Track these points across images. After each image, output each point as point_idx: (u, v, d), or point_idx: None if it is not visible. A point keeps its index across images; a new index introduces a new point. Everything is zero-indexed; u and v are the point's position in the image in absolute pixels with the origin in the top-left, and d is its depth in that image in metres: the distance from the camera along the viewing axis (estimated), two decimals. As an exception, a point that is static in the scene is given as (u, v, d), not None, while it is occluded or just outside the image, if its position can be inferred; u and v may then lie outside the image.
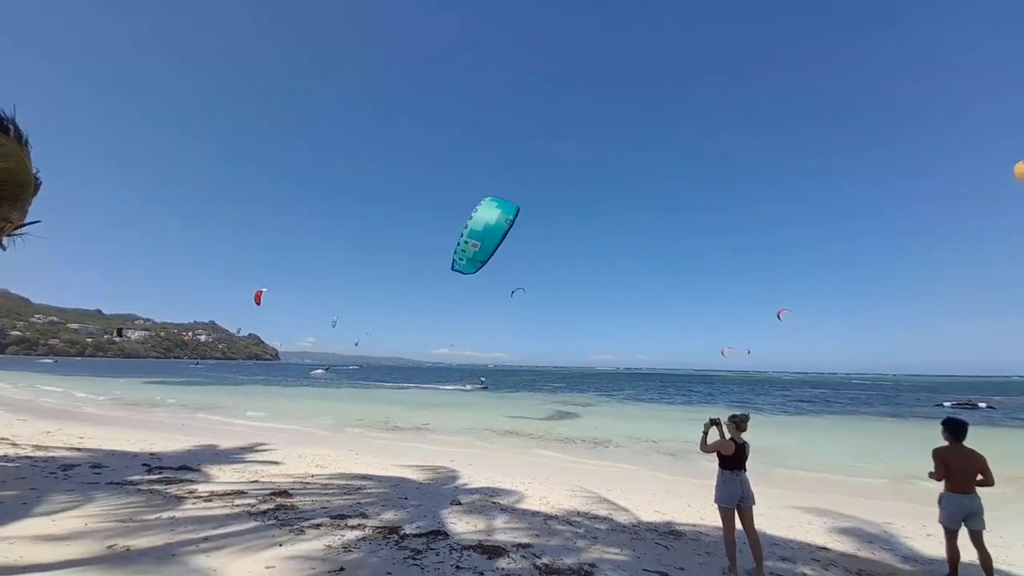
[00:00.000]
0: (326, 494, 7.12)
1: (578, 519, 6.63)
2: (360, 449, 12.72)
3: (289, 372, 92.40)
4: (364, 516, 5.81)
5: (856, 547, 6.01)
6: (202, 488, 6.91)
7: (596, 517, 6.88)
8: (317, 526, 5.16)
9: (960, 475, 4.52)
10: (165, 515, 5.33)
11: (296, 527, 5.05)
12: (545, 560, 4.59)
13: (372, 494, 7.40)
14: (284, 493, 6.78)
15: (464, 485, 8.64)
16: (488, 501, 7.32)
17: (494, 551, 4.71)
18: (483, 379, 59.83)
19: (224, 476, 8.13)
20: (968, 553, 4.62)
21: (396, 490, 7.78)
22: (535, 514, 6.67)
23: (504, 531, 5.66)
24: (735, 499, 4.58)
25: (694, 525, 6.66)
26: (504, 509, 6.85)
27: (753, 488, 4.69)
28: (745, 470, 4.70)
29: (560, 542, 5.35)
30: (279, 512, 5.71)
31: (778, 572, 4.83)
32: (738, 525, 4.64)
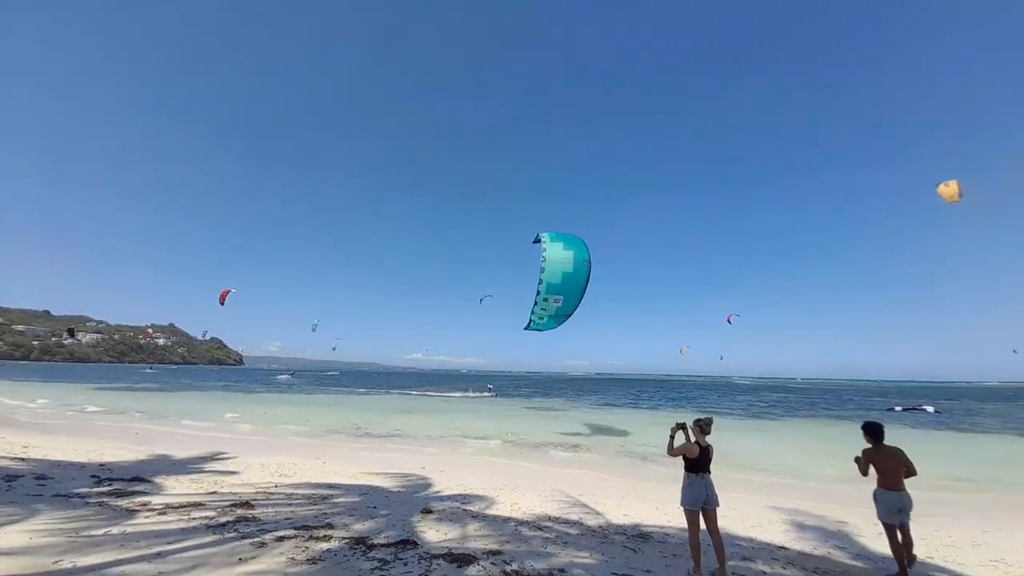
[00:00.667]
0: (290, 504, 6.89)
1: (549, 524, 6.66)
2: (328, 457, 12.37)
3: (254, 378, 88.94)
4: (331, 527, 5.66)
5: (812, 546, 6.28)
6: (156, 500, 6.57)
7: (567, 521, 6.93)
8: (280, 538, 4.99)
9: (888, 473, 4.97)
10: (115, 530, 5.04)
11: (258, 540, 4.87)
12: (515, 567, 4.59)
13: (340, 504, 7.21)
14: (245, 504, 6.52)
15: (436, 493, 8.54)
16: (460, 508, 7.25)
17: (464, 559, 4.67)
18: (490, 386, 59.12)
19: (180, 487, 7.76)
20: (918, 552, 4.93)
21: (365, 499, 7.61)
22: (506, 520, 6.66)
23: (475, 538, 5.62)
24: (699, 501, 4.71)
25: (661, 527, 6.80)
26: (475, 516, 6.81)
27: (717, 490, 4.84)
28: (709, 472, 4.84)
29: (531, 548, 5.35)
30: (240, 524, 5.49)
31: (740, 572, 4.98)
32: (703, 526, 4.78)
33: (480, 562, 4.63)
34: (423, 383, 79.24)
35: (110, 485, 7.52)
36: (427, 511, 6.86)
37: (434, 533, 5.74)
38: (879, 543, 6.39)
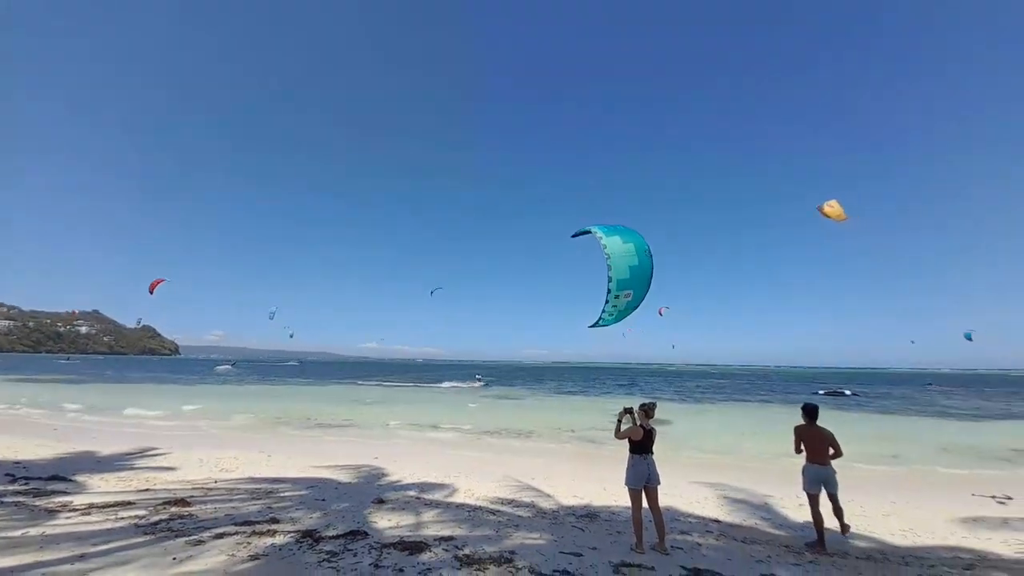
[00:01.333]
0: (232, 500, 6.59)
1: (503, 508, 6.81)
2: (273, 450, 11.89)
3: (190, 369, 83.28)
4: (275, 521, 5.48)
5: (742, 518, 6.83)
6: (79, 500, 6.07)
7: (520, 504, 7.12)
8: (220, 535, 4.77)
9: (815, 449, 5.60)
10: (34, 531, 4.62)
11: (194, 538, 4.63)
12: (467, 551, 4.66)
13: (286, 498, 6.99)
14: (181, 502, 6.16)
15: (390, 483, 8.46)
16: (414, 497, 7.24)
17: (415, 547, 4.69)
18: (479, 376, 59.71)
19: (107, 486, 7.21)
20: (833, 522, 5.50)
21: (314, 492, 7.41)
22: (460, 506, 6.73)
23: (428, 526, 5.65)
24: (642, 480, 5.03)
25: (608, 507, 7.15)
26: (429, 504, 6.83)
27: (659, 469, 5.18)
28: (652, 453, 5.17)
29: (484, 532, 5.45)
30: (174, 522, 5.19)
31: (677, 544, 5.34)
32: (645, 504, 5.07)
33: (432, 548, 4.67)
34: (400, 374, 77.09)
35: (26, 484, 6.87)
36: (380, 501, 6.80)
37: (386, 523, 5.71)
38: (799, 513, 7.08)
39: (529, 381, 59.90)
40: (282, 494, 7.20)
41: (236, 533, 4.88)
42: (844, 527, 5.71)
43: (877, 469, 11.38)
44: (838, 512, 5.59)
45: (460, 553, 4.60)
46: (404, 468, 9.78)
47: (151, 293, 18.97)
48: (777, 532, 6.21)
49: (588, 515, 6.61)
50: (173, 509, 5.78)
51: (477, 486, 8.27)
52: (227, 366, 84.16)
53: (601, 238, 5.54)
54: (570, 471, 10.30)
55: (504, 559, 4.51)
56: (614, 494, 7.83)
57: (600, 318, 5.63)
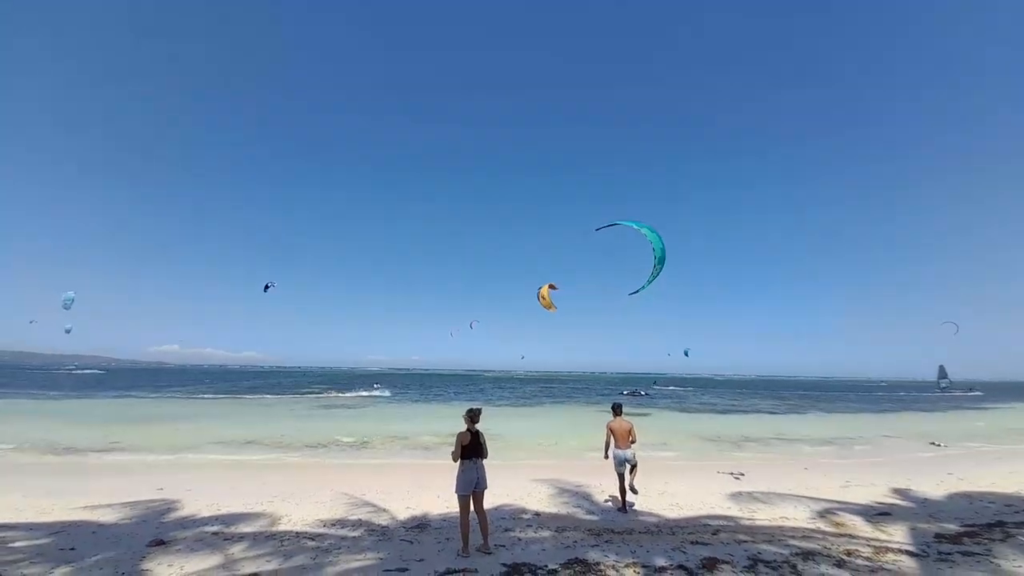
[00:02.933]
0: (-95, 571, 4.60)
1: (327, 531, 6.25)
2: (3, 488, 8.72)
3: None
4: (-14, 590, 4.02)
5: (559, 508, 7.64)
6: None
7: (347, 524, 6.63)
8: None
9: (619, 436, 7.45)
10: None
11: None
12: (275, 587, 4.15)
13: (19, 549, 5.23)
14: None
15: (179, 519, 6.95)
16: (210, 533, 6.11)
17: (206, 593, 3.97)
18: (377, 384, 57.83)
19: None
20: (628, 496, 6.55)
21: (61, 539, 5.69)
22: (272, 536, 5.94)
23: (227, 566, 4.84)
24: (471, 486, 5.22)
25: (442, 514, 7.19)
26: (232, 538, 5.85)
27: (489, 468, 5.47)
28: (481, 457, 5.40)
29: (299, 562, 4.93)
30: None
31: (501, 542, 5.67)
32: (473, 508, 5.27)
33: (230, 591, 4.02)
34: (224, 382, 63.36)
35: None
36: (160, 543, 5.55)
37: (166, 570, 4.70)
38: (603, 498, 8.28)
39: (368, 388, 56.85)
40: (12, 544, 5.38)
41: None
42: (632, 489, 7.57)
43: (655, 455, 14.12)
44: (631, 485, 7.51)
45: (266, 591, 4.06)
46: (200, 499, 8.17)
47: None
48: (586, 517, 7.13)
49: (419, 526, 6.54)
50: None
51: (297, 510, 7.42)
52: None
53: (634, 226, 8.11)
54: (406, 482, 10.05)
55: (320, 588, 4.15)
56: (447, 501, 7.92)
57: (643, 286, 8.37)
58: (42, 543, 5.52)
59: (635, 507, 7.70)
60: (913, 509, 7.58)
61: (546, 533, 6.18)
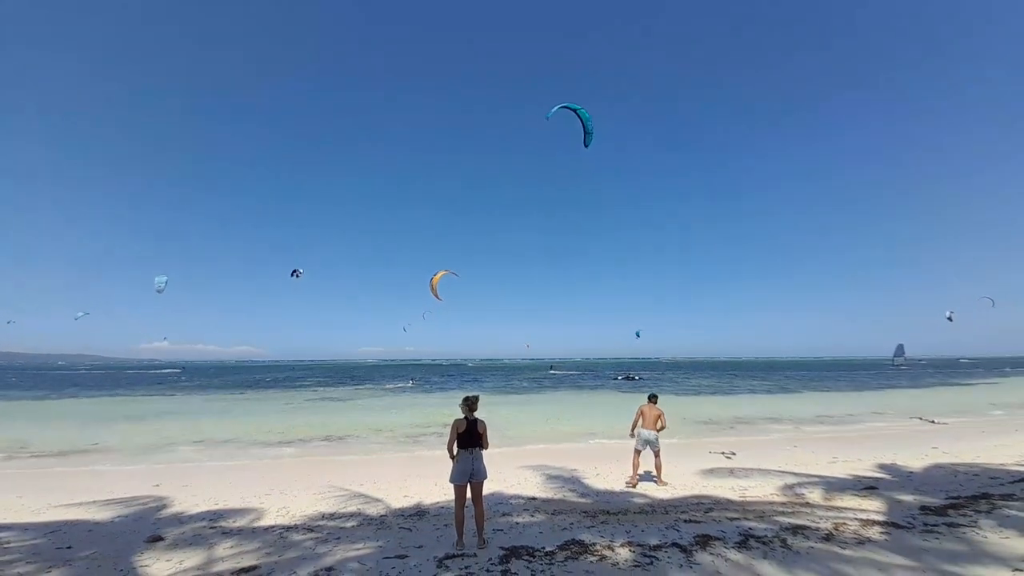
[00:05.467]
0: None
1: (323, 523, 6.28)
2: (-10, 491, 8.64)
3: None
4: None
5: (554, 493, 7.76)
6: None
7: (343, 516, 6.67)
8: None
9: (648, 419, 8.17)
10: None
11: None
12: (274, 578, 4.17)
13: (14, 549, 5.20)
14: None
15: (173, 515, 6.95)
16: (207, 528, 6.11)
17: (205, 586, 3.98)
18: (414, 378, 57.83)
19: None
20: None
21: (56, 538, 5.66)
22: (268, 530, 5.96)
23: (225, 559, 4.85)
24: (466, 476, 5.03)
25: (438, 503, 7.25)
26: (228, 532, 5.86)
27: (488, 455, 5.29)
28: (479, 447, 5.17)
29: (297, 553, 4.95)
30: None
31: (499, 526, 5.75)
32: (470, 498, 5.16)
33: (228, 584, 4.03)
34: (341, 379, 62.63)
35: None
36: (156, 539, 5.54)
37: (164, 564, 4.69)
38: (597, 481, 8.44)
39: (362, 380, 56.94)
40: (7, 545, 5.35)
41: None
42: (661, 481, 8.16)
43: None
44: (657, 466, 8.23)
45: (265, 582, 4.09)
46: (197, 494, 8.18)
47: None
48: (580, 500, 7.24)
49: (417, 514, 6.60)
50: None
51: (292, 503, 7.45)
52: None
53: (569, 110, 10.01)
54: (400, 471, 10.13)
55: (319, 578, 4.18)
56: (444, 489, 7.99)
57: (587, 131, 10.23)
58: (37, 543, 5.49)
59: (643, 482, 8.05)
60: (899, 483, 7.80)
61: (542, 517, 6.27)
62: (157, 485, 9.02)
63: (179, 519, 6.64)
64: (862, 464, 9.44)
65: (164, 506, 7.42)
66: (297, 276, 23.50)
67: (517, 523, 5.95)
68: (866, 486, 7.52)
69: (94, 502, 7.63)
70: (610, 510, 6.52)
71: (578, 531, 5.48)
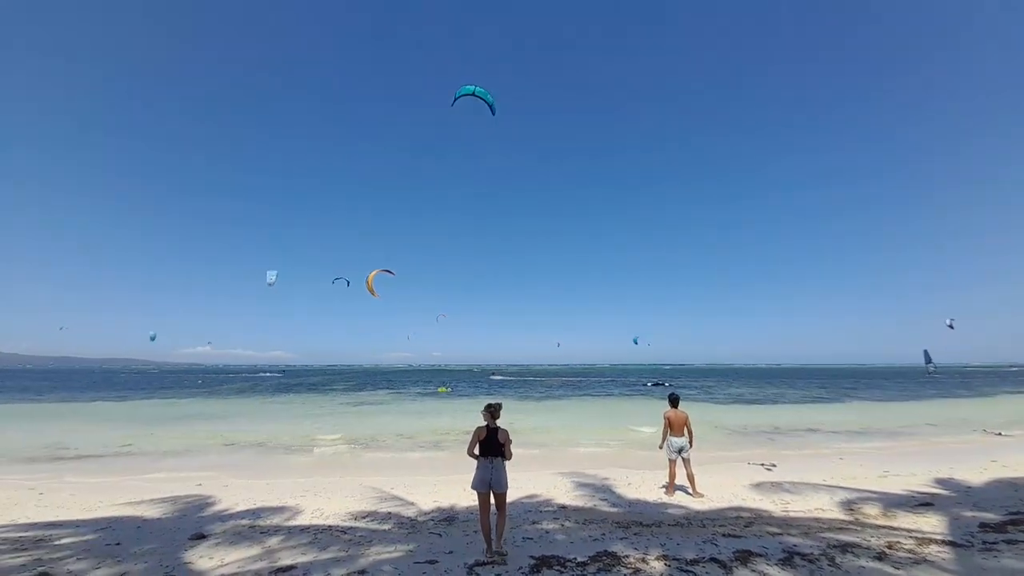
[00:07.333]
0: (-27, 561, 4.90)
1: (357, 524, 6.39)
2: (48, 486, 9.23)
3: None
4: (42, 581, 4.24)
5: (584, 501, 7.61)
6: None
7: (377, 517, 6.77)
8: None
9: (676, 425, 7.80)
10: None
11: None
12: (310, 578, 4.25)
13: (65, 546, 5.49)
14: None
15: (216, 513, 7.23)
16: (247, 527, 6.32)
17: (246, 584, 4.10)
18: (445, 382, 58.75)
19: None
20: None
21: (106, 535, 5.96)
22: (305, 530, 6.10)
23: (264, 558, 4.99)
24: (486, 484, 4.93)
25: (468, 507, 7.25)
26: (267, 531, 6.04)
27: (515, 469, 5.25)
28: (500, 456, 5.00)
29: (332, 555, 5.04)
30: None
31: (529, 535, 5.68)
32: (495, 508, 5.07)
33: (267, 583, 4.14)
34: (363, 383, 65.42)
35: None
36: (199, 537, 5.77)
37: (207, 562, 4.87)
38: (629, 491, 8.22)
39: (391, 385, 57.84)
40: (59, 541, 5.65)
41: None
42: (694, 489, 7.81)
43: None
44: (689, 474, 7.81)
45: (302, 582, 4.17)
46: (237, 494, 8.48)
47: None
48: (611, 510, 7.08)
49: (447, 519, 6.62)
50: None
51: (328, 503, 7.62)
52: None
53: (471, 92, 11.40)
54: (430, 476, 10.20)
55: (354, 580, 4.23)
56: (473, 495, 7.86)
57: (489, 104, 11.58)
58: (88, 539, 5.79)
59: (680, 493, 7.85)
60: (955, 498, 7.27)
61: (572, 525, 6.17)
62: (199, 484, 9.41)
63: (220, 517, 6.89)
64: (916, 478, 8.85)
65: (207, 505, 7.72)
66: (341, 281, 24.12)
67: (547, 531, 5.87)
68: (921, 502, 7.04)
69: (142, 500, 8.02)
70: (643, 521, 6.34)
71: (610, 542, 5.35)
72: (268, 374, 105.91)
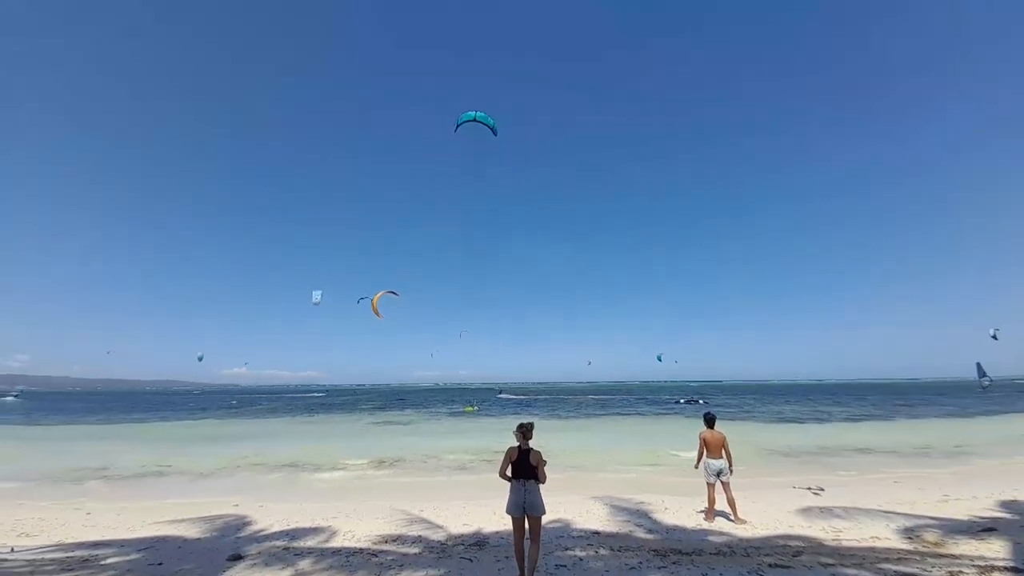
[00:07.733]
0: (35, 574, 5.12)
1: (387, 547, 6.35)
2: (95, 506, 9.62)
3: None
4: (90, 601, 4.38)
5: (619, 527, 7.33)
6: None
7: (407, 540, 6.71)
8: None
9: (712, 446, 7.46)
10: None
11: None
12: (342, 603, 4.23)
13: (111, 565, 5.67)
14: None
15: (252, 533, 7.35)
16: (282, 548, 6.38)
17: (280, 607, 4.11)
18: (471, 401, 58.36)
19: None
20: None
21: (149, 554, 6.13)
22: (337, 552, 6.11)
23: (297, 580, 5.01)
24: (520, 508, 4.74)
25: (498, 532, 7.10)
26: (300, 553, 6.08)
27: (549, 484, 4.94)
28: (534, 479, 4.78)
29: (363, 578, 5.02)
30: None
31: (562, 562, 5.51)
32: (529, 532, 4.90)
33: (301, 606, 4.14)
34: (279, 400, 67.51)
35: None
36: (237, 558, 5.86)
37: (244, 583, 4.93)
38: (666, 516, 7.87)
39: (419, 404, 58.09)
40: (104, 561, 5.83)
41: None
42: (734, 511, 7.39)
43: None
44: (730, 499, 7.38)
45: (334, 607, 4.15)
46: (272, 514, 8.61)
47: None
48: (648, 537, 6.78)
49: (477, 543, 6.49)
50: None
51: (359, 525, 7.62)
52: (11, 396, 66.04)
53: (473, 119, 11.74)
54: (461, 498, 10.08)
55: (385, 606, 4.18)
56: (504, 519, 7.77)
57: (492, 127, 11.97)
58: (132, 559, 5.97)
59: (720, 519, 7.49)
60: (1021, 523, 6.65)
61: (607, 552, 5.94)
62: (236, 505, 9.60)
63: (255, 538, 6.99)
64: (978, 502, 8.15)
65: (243, 525, 7.86)
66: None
67: (580, 558, 5.67)
68: (984, 527, 6.46)
69: (183, 519, 8.24)
70: (682, 549, 6.04)
71: (647, 571, 5.13)
72: (316, 395, 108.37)
